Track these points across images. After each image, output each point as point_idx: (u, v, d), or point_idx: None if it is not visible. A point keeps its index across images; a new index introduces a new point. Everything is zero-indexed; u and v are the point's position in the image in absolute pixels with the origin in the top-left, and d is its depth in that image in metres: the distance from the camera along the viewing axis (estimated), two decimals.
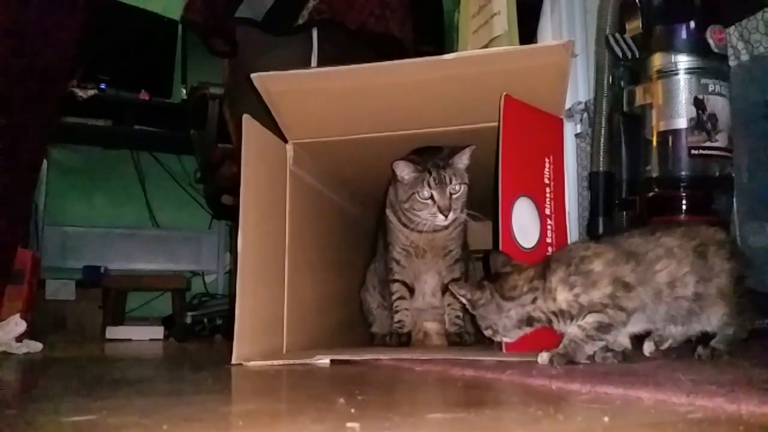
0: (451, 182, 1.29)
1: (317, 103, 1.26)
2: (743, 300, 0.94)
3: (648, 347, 0.99)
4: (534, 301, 0.94)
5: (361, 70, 1.16)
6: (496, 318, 0.96)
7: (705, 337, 0.96)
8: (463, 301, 1.01)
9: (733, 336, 0.93)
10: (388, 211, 1.44)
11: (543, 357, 0.91)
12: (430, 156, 1.33)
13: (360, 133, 1.32)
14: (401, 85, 1.19)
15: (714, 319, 0.93)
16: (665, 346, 1.00)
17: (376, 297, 1.60)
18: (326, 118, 1.30)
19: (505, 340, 1.00)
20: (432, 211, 1.30)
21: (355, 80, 1.19)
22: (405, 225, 1.39)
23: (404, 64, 1.15)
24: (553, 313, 0.93)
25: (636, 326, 0.95)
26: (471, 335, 1.39)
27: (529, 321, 0.96)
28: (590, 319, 0.90)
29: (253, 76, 1.15)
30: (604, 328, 0.90)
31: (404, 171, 1.32)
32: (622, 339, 0.95)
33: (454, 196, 1.30)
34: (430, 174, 1.29)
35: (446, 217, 1.29)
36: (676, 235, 0.95)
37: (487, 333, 0.99)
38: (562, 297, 0.92)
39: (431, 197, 1.30)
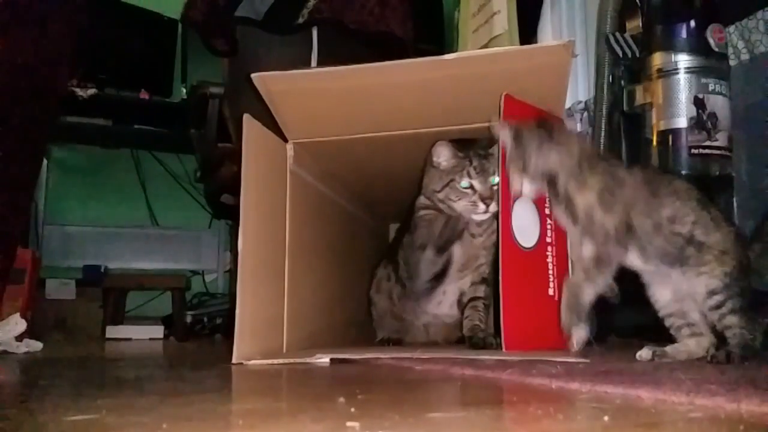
0: (494, 173, 1.21)
1: (317, 103, 1.25)
2: (746, 291, 0.94)
3: (645, 354, 0.99)
4: (570, 173, 0.99)
5: (361, 70, 1.16)
6: (533, 157, 1.00)
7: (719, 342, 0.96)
8: (508, 133, 1.02)
9: (742, 339, 0.93)
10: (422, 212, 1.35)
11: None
12: (469, 146, 1.26)
13: (360, 132, 1.32)
14: (401, 85, 1.19)
15: (713, 280, 0.94)
16: (665, 359, 0.99)
17: (393, 305, 1.50)
18: (326, 117, 1.30)
19: (525, 185, 1.03)
20: (472, 199, 1.22)
21: (355, 80, 1.18)
22: None
23: (404, 64, 1.15)
24: (568, 203, 0.99)
25: (629, 258, 1.00)
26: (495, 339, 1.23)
27: (551, 182, 1.01)
28: (587, 251, 0.98)
29: (253, 75, 1.15)
30: (602, 263, 0.98)
31: (442, 155, 1.25)
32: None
33: (495, 188, 1.21)
34: (471, 163, 1.22)
35: (487, 207, 1.21)
36: (684, 182, 1.04)
37: (513, 169, 1.02)
38: (584, 201, 0.98)
39: (471, 187, 1.23)
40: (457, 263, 1.33)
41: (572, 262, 1.08)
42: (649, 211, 0.97)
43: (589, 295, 0.99)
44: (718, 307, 0.94)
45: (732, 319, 0.93)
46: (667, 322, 1.04)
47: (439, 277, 1.34)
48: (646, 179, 1.00)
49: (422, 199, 1.35)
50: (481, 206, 1.22)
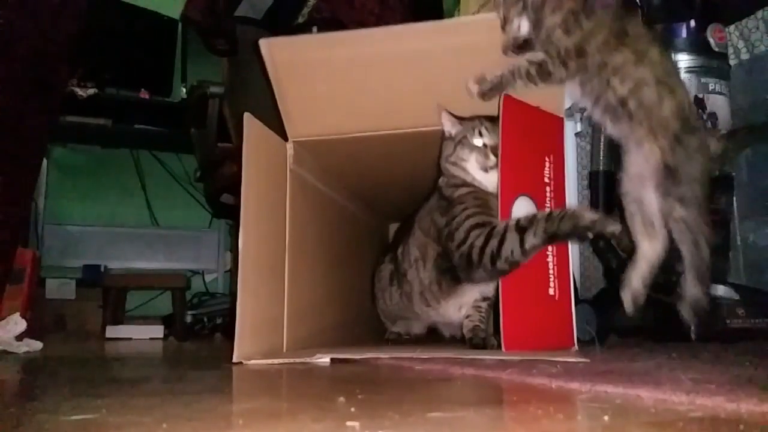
0: None
1: (321, 80, 1.24)
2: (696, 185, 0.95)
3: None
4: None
5: (369, 34, 1.18)
6: None
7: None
8: None
9: (696, 250, 0.94)
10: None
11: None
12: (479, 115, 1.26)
13: (361, 131, 1.32)
14: (405, 58, 1.18)
15: (654, 157, 0.96)
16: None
17: (399, 301, 1.48)
18: (330, 106, 1.28)
19: (522, 24, 1.04)
20: (486, 152, 1.21)
21: (362, 47, 1.18)
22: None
23: (408, 27, 1.17)
24: (537, 23, 1.01)
25: (572, 90, 1.05)
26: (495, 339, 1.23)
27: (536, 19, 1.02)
28: (537, 56, 1.00)
29: (260, 41, 1.14)
30: (543, 73, 1.01)
31: (446, 120, 1.25)
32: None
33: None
34: (482, 123, 1.23)
35: (496, 159, 1.17)
36: (666, 56, 1.04)
37: (512, 13, 1.04)
38: (551, 21, 0.99)
39: (484, 145, 1.22)
40: None
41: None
42: (603, 50, 0.97)
43: (516, 89, 1.05)
44: (664, 194, 0.94)
45: (681, 212, 0.92)
46: (625, 205, 1.03)
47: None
48: (620, 19, 1.00)
49: (443, 179, 1.32)
50: (492, 157, 1.20)
